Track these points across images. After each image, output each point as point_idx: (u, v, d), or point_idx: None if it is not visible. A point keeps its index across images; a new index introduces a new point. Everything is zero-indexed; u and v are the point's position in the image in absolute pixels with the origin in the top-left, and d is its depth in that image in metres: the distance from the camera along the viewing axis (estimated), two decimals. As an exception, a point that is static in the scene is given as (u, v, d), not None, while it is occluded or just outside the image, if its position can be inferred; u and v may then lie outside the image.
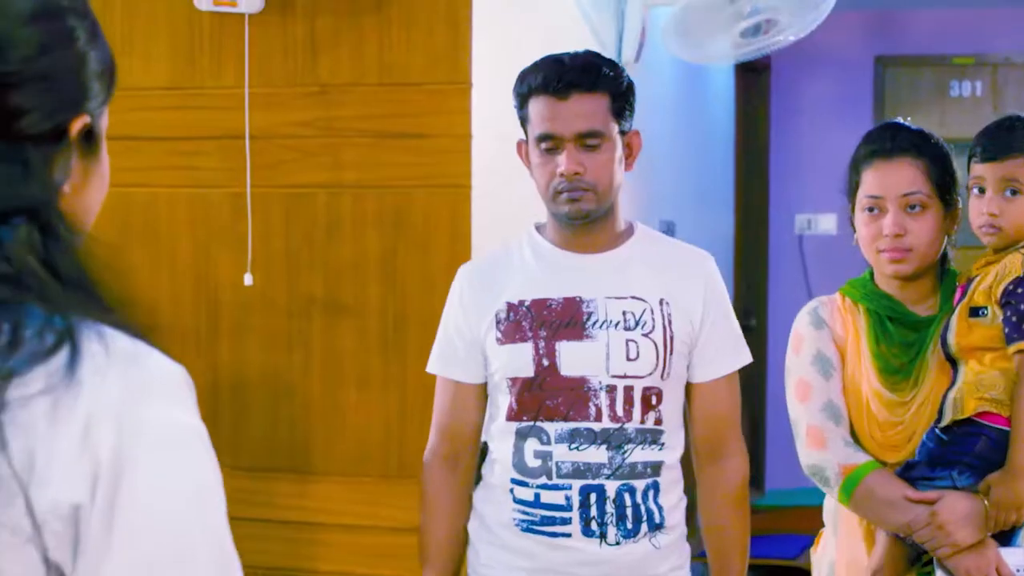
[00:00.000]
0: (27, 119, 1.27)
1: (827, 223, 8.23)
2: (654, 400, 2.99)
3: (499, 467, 3.06)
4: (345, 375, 4.07)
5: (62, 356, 1.21)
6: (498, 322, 3.03)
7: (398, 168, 3.99)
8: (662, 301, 3.01)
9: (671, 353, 3.00)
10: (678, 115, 6.81)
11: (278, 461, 4.12)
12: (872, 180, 3.06)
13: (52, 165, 1.29)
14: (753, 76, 8.45)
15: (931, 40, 8.46)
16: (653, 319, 2.99)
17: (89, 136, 1.34)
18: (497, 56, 4.06)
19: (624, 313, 2.98)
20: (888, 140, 3.08)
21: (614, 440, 2.95)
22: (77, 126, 1.32)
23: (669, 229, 6.16)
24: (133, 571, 1.20)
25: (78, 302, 1.25)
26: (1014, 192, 2.95)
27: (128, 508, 1.20)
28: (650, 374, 2.98)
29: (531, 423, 2.98)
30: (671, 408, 3.03)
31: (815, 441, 3.03)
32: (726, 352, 3.10)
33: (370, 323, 4.04)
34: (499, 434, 3.06)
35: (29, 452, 1.18)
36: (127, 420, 1.21)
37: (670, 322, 3.00)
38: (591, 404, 2.95)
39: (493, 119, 3.99)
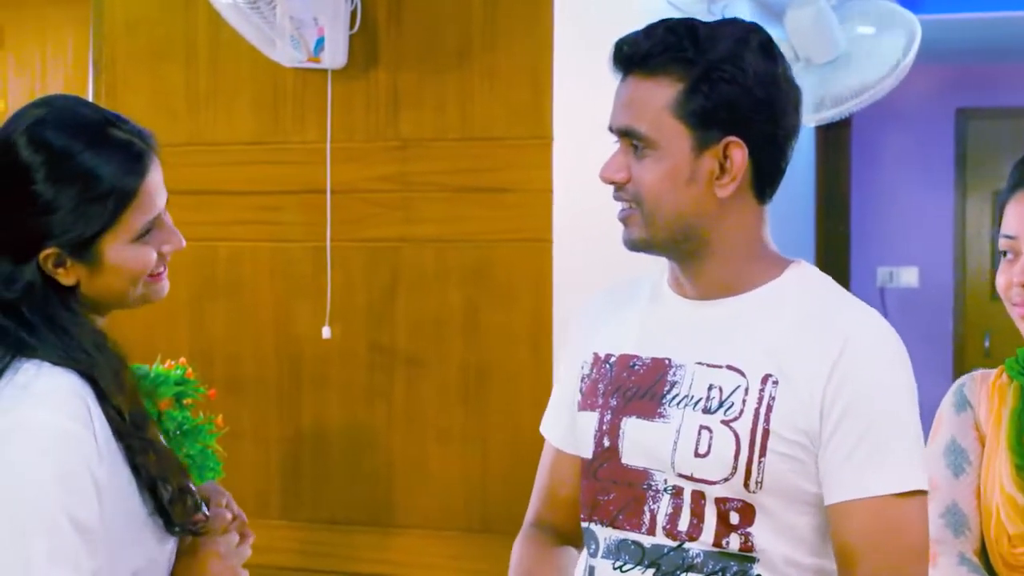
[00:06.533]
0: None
1: (909, 276, 8.13)
2: (735, 518, 2.00)
3: None
4: (427, 428, 4.08)
5: None
6: (582, 378, 2.18)
7: (479, 222, 4.00)
8: (767, 378, 2.00)
9: (762, 453, 1.98)
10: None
11: (360, 514, 4.12)
12: (1010, 215, 2.28)
13: (23, 274, 1.89)
14: (833, 130, 8.41)
15: (1012, 92, 8.41)
16: (744, 401, 1.99)
17: (81, 253, 1.88)
18: (578, 111, 4.07)
19: (710, 388, 2.03)
20: None
21: (666, 565, 2.02)
22: (44, 254, 1.88)
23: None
24: None
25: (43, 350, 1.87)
26: None
27: None
28: (725, 479, 1.99)
29: (586, 524, 2.13)
30: (775, 535, 2.01)
31: None
32: (868, 464, 1.96)
33: (451, 376, 4.05)
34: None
35: None
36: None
37: (770, 408, 1.98)
38: (645, 509, 2.04)
39: (574, 173, 3.99)
